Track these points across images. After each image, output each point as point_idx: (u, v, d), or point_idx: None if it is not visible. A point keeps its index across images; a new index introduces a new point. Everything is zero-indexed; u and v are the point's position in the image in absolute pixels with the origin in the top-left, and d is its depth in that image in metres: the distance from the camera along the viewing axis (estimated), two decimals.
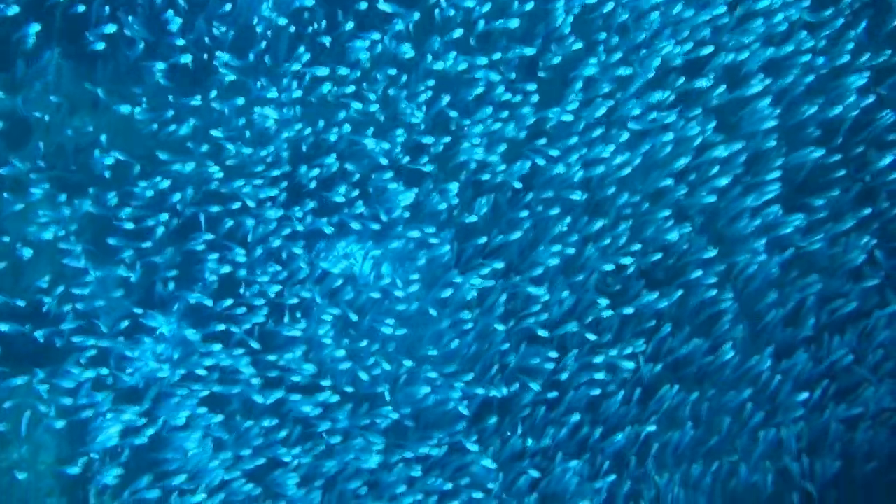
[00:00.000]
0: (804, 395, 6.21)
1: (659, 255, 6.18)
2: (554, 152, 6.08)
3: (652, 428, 6.14)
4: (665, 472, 6.19)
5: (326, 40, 6.03)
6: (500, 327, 6.03)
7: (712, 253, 6.16)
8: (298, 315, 6.01)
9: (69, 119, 5.94)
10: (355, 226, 6.03)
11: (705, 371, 6.30)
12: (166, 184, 5.87)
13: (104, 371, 5.84)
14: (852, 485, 6.35)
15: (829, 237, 6.28)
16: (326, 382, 5.95)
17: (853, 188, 6.32)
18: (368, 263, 6.11)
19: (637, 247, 6.11)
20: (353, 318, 5.99)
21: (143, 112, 5.90)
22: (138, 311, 5.88)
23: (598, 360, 6.08)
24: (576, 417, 6.08)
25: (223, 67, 5.89)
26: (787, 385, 6.26)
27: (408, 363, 5.97)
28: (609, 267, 6.11)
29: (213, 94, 5.95)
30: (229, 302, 5.94)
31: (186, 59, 5.86)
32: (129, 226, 5.82)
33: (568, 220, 6.13)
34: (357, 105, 6.00)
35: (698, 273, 6.17)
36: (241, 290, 5.98)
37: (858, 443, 6.32)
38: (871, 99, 6.19)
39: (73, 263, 5.84)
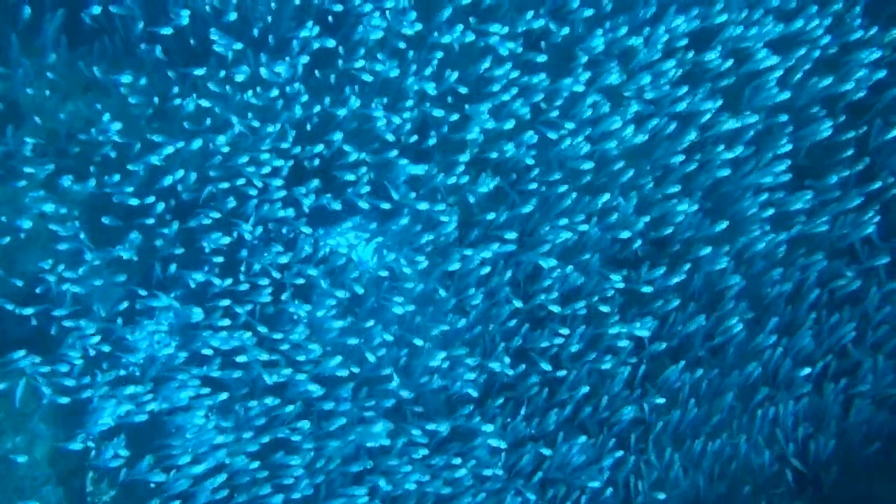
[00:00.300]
0: (806, 371, 6.22)
1: (663, 234, 6.15)
2: (569, 125, 5.98)
3: (661, 400, 6.13)
4: (666, 451, 6.20)
5: (337, 7, 5.84)
6: (518, 303, 5.95)
7: (721, 226, 6.13)
8: (297, 302, 5.89)
9: (62, 103, 5.72)
10: (362, 205, 5.90)
11: (709, 349, 6.31)
12: (169, 149, 5.69)
13: (105, 348, 5.69)
14: (851, 466, 6.41)
15: (834, 216, 6.29)
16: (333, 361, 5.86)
17: (856, 166, 6.32)
18: (370, 248, 5.99)
19: (646, 218, 6.07)
20: (360, 290, 5.88)
21: (142, 91, 5.70)
22: (141, 293, 5.72)
23: (613, 330, 6.05)
24: (584, 389, 6.06)
25: (219, 45, 5.68)
26: (787, 362, 6.29)
27: (418, 341, 5.88)
28: (626, 234, 6.05)
29: (222, 73, 5.75)
30: (234, 282, 5.80)
31: (185, 20, 5.61)
32: (134, 201, 5.64)
33: (573, 196, 6.05)
34: (368, 77, 5.84)
35: (704, 251, 6.14)
36: (243, 269, 5.83)
37: (857, 423, 6.37)
38: (881, 74, 6.18)
39: (69, 245, 5.65)
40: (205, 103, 5.74)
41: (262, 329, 5.77)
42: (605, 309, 6.04)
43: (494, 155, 6.01)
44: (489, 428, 5.91)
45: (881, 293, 6.36)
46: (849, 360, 6.39)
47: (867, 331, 6.38)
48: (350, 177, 5.87)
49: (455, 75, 5.87)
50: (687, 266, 6.12)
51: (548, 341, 6.00)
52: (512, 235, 5.94)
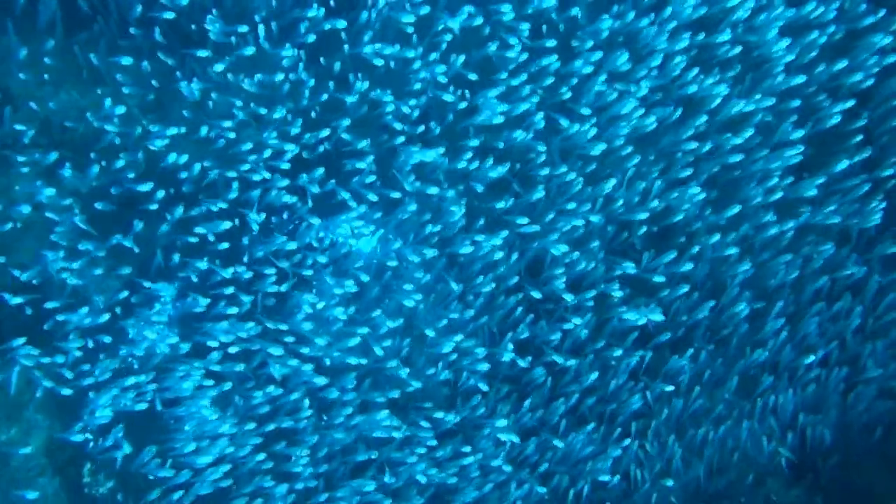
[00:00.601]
0: (810, 359, 6.22)
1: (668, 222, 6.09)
2: (585, 111, 5.87)
3: (670, 388, 6.10)
4: (668, 441, 6.18)
5: None
6: (537, 294, 5.87)
7: (727, 215, 6.09)
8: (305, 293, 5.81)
9: (57, 90, 5.55)
10: (371, 197, 5.78)
11: (712, 338, 6.28)
12: (173, 130, 5.55)
13: (104, 338, 5.57)
14: (850, 456, 6.44)
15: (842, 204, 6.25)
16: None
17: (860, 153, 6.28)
18: (372, 240, 5.89)
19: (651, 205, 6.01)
20: (365, 278, 5.79)
21: (140, 77, 5.54)
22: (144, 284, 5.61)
23: (629, 315, 5.98)
24: (594, 375, 6.01)
25: (213, 31, 5.53)
26: (788, 349, 6.28)
27: (430, 332, 5.79)
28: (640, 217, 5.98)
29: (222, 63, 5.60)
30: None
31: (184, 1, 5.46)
32: (144, 187, 5.49)
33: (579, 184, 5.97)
34: (379, 62, 5.71)
35: (713, 238, 6.10)
36: (245, 260, 5.71)
37: (858, 412, 6.38)
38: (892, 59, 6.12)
39: (68, 235, 5.50)
40: (201, 87, 5.61)
41: (268, 322, 5.67)
42: (617, 294, 5.97)
43: (501, 145, 5.91)
44: (502, 423, 5.85)
45: (880, 283, 6.35)
46: (848, 350, 6.41)
47: (868, 320, 6.39)
48: (361, 164, 5.76)
49: (462, 59, 5.76)
50: (692, 252, 6.08)
51: (559, 332, 5.94)
52: (524, 220, 5.84)
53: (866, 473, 6.45)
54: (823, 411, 6.35)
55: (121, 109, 5.46)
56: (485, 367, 5.88)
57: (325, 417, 5.85)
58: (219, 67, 5.54)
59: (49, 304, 5.46)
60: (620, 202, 6.00)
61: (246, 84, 5.57)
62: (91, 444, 5.70)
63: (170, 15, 5.45)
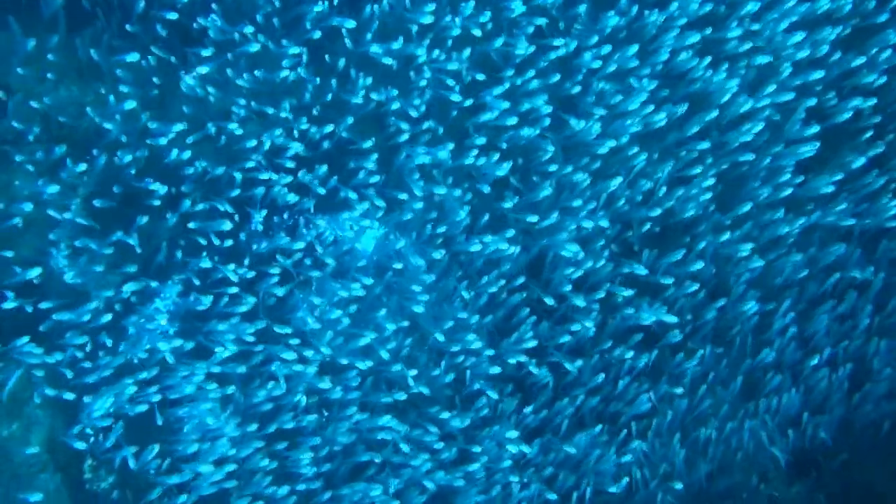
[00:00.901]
0: (815, 360, 6.19)
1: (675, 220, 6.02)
2: (599, 111, 5.80)
3: (679, 390, 6.06)
4: (672, 441, 6.15)
5: None
6: (550, 301, 5.80)
7: (739, 212, 6.03)
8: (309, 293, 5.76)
9: (56, 87, 5.50)
10: (378, 202, 5.72)
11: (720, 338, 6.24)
12: (179, 126, 5.49)
13: (104, 338, 5.53)
14: (855, 455, 6.42)
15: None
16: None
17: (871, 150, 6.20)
18: (373, 239, 5.84)
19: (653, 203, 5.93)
20: (368, 281, 5.72)
21: (141, 74, 5.49)
22: (138, 282, 5.56)
23: (646, 316, 5.91)
24: (600, 378, 5.96)
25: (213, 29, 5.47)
26: (792, 347, 6.24)
27: (440, 336, 5.73)
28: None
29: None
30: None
31: None
32: (157, 186, 5.45)
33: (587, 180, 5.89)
34: (388, 60, 5.64)
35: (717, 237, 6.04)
36: (246, 263, 5.67)
37: (864, 412, 6.34)
38: None
39: (69, 232, 5.46)
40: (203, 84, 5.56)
41: (269, 321, 5.63)
42: (624, 294, 5.91)
43: (505, 146, 5.85)
44: (513, 434, 5.82)
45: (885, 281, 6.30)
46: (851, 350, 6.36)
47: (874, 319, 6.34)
48: (369, 165, 5.70)
49: (467, 52, 5.69)
50: (697, 250, 6.01)
51: (566, 334, 5.88)
52: (534, 218, 5.77)
53: (868, 472, 6.44)
54: (827, 410, 6.30)
55: (131, 104, 5.40)
56: (496, 370, 5.83)
57: (325, 412, 5.82)
58: (203, 70, 5.49)
59: (44, 305, 5.41)
60: (623, 200, 5.94)
61: (247, 80, 5.51)
62: (92, 439, 5.69)
63: (173, 15, 5.40)
